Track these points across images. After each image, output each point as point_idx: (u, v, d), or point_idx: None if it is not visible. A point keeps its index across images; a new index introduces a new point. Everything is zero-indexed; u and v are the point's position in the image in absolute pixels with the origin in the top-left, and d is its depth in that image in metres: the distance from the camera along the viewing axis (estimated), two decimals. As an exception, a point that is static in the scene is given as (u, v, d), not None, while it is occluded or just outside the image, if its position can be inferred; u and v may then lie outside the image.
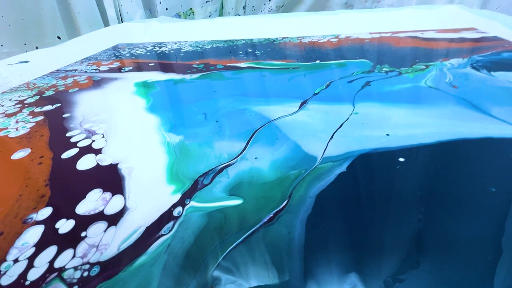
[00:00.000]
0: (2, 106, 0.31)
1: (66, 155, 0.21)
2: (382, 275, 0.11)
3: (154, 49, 0.52)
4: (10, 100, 0.33)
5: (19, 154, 0.22)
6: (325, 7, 0.91)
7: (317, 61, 0.38)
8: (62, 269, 0.13)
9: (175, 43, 0.56)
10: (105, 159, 0.20)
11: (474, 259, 0.12)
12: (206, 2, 0.92)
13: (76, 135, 0.24)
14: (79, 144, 0.22)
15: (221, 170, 0.18)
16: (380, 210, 0.15)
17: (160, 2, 0.89)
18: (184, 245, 0.13)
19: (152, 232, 0.14)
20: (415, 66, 0.33)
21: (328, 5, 0.92)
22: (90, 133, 0.24)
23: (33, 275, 0.13)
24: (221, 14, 0.96)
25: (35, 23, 0.68)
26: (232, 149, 0.20)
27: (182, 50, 0.50)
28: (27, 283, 0.12)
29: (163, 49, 0.52)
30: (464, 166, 0.17)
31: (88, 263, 0.13)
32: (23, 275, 0.13)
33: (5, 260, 0.13)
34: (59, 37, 0.74)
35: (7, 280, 0.12)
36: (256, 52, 0.45)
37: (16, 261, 0.13)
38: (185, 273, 0.12)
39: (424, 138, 0.20)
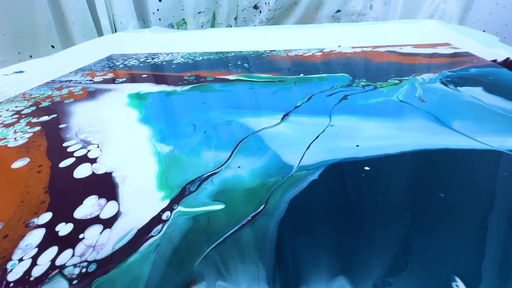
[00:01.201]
0: (0, 116, 0.32)
1: (63, 164, 0.23)
2: (340, 269, 0.13)
3: (147, 60, 0.54)
4: (7, 110, 0.34)
5: (19, 163, 0.23)
6: (314, 19, 0.95)
7: (301, 75, 0.40)
8: (62, 267, 0.14)
9: (168, 54, 0.58)
10: (100, 168, 0.22)
11: (431, 262, 0.14)
12: (199, 13, 0.95)
13: (72, 145, 0.26)
14: (75, 154, 0.24)
15: (207, 178, 0.20)
16: (345, 213, 0.17)
17: (154, 13, 0.91)
18: (171, 245, 0.15)
19: (143, 233, 0.16)
20: (390, 80, 0.36)
21: (317, 18, 0.95)
22: (86, 143, 0.26)
23: (36, 272, 0.14)
24: (213, 25, 0.99)
25: (30, 32, 0.69)
26: (218, 159, 0.22)
27: (174, 62, 0.52)
28: (31, 279, 0.14)
29: (155, 60, 0.54)
30: (422, 174, 0.20)
31: (86, 261, 0.14)
32: (28, 272, 0.14)
33: (10, 259, 0.15)
34: (53, 46, 0.75)
35: (13, 276, 0.14)
36: (244, 65, 0.47)
37: (20, 260, 0.15)
38: (171, 269, 0.14)
39: (390, 149, 0.22)
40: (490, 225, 0.15)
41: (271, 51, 0.55)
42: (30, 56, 0.70)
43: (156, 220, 0.17)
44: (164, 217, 0.17)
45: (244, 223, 0.16)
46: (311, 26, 0.76)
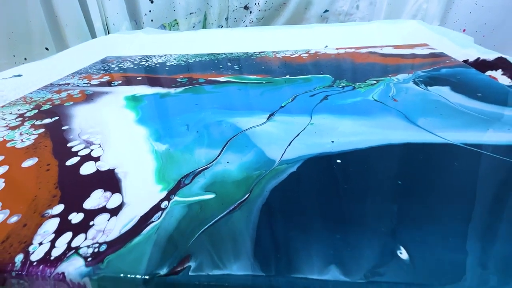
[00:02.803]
0: (4, 119, 0.35)
1: (69, 162, 0.25)
2: (308, 244, 0.16)
3: (141, 63, 0.56)
4: (10, 113, 0.36)
5: (28, 163, 0.26)
6: (302, 19, 0.98)
7: (287, 76, 0.43)
8: (78, 248, 0.17)
9: (161, 56, 0.60)
10: (103, 165, 0.25)
11: (382, 236, 0.17)
12: (190, 14, 0.97)
13: (76, 145, 0.28)
14: (79, 153, 0.27)
15: (199, 172, 0.23)
16: (318, 199, 0.20)
17: (146, 14, 0.93)
18: (170, 228, 0.18)
19: (145, 219, 0.19)
20: (367, 81, 0.39)
21: (305, 17, 0.98)
22: (88, 143, 0.28)
23: (55, 253, 0.17)
24: (204, 25, 1.01)
25: (24, 35, 0.70)
26: (209, 155, 0.25)
27: (167, 64, 0.54)
28: (51, 258, 0.17)
29: (149, 62, 0.56)
30: (384, 165, 0.23)
31: (97, 242, 0.17)
32: (48, 253, 0.17)
33: (31, 244, 0.18)
34: (47, 49, 0.77)
35: (35, 257, 0.17)
36: (235, 67, 0.50)
37: (40, 243, 0.18)
38: (170, 247, 0.17)
39: (360, 144, 0.25)
40: (438, 204, 0.18)
41: (260, 52, 0.58)
42: (25, 59, 0.72)
43: (156, 208, 0.19)
44: (162, 205, 0.20)
45: (231, 209, 0.19)
46: (300, 27, 0.79)
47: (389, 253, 0.15)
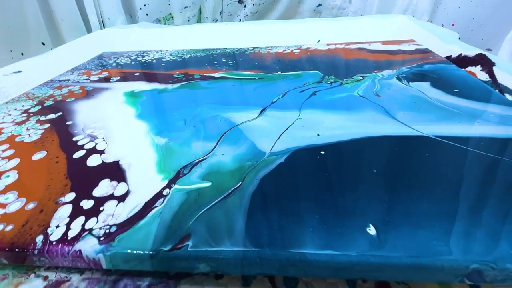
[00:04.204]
0: (10, 115, 0.36)
1: (76, 155, 0.28)
2: (292, 222, 0.19)
3: (138, 58, 0.58)
4: (15, 109, 0.38)
5: (38, 156, 0.28)
6: (296, 13, 0.99)
7: (279, 72, 0.45)
8: (91, 229, 0.19)
9: (157, 52, 0.62)
10: (108, 158, 0.27)
11: (356, 217, 0.19)
12: (185, 8, 0.98)
13: (81, 139, 0.30)
14: (85, 147, 0.29)
15: (197, 163, 0.25)
16: (302, 186, 0.22)
17: (141, 8, 0.93)
18: (171, 212, 0.20)
19: (149, 205, 0.21)
20: (354, 77, 0.41)
21: (299, 11, 0.99)
22: (93, 138, 0.30)
23: (71, 234, 0.19)
24: (199, 19, 1.02)
25: (20, 30, 0.71)
26: (205, 148, 0.27)
27: (163, 60, 0.56)
28: (68, 238, 0.19)
29: (146, 58, 0.58)
30: (363, 155, 0.25)
31: (108, 225, 0.20)
32: (65, 234, 0.19)
33: (49, 226, 0.20)
34: (43, 43, 0.78)
35: (54, 237, 0.19)
36: (229, 62, 0.52)
37: (57, 226, 0.20)
38: (172, 228, 0.19)
39: (342, 137, 0.28)
40: (406, 189, 0.21)
41: (254, 48, 0.59)
42: (22, 54, 0.72)
43: (159, 195, 0.22)
44: (164, 193, 0.22)
45: (225, 195, 0.21)
46: (293, 22, 0.80)
47: (360, 230, 0.18)
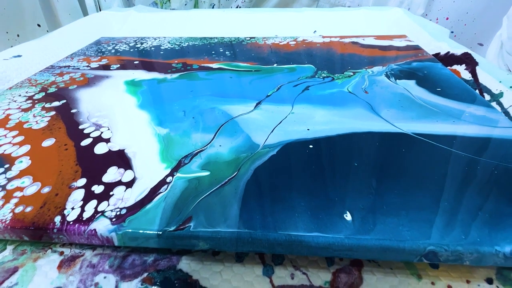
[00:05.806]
0: (15, 101, 0.38)
1: (84, 143, 0.30)
2: (282, 208, 0.22)
3: (136, 45, 0.58)
4: (20, 96, 0.39)
5: (47, 143, 0.30)
6: (294, 1, 0.99)
7: (275, 65, 0.47)
8: (103, 211, 0.22)
9: (155, 39, 0.62)
10: (114, 146, 0.29)
11: (336, 205, 0.22)
12: (182, -9, 0.97)
13: (87, 127, 0.32)
14: (91, 135, 0.31)
15: (196, 153, 0.28)
16: (292, 176, 0.25)
17: (137, -9, 0.92)
18: (174, 197, 0.23)
19: (154, 190, 0.24)
20: (346, 72, 0.43)
21: (297, -1, 0.99)
22: (98, 126, 0.32)
23: (86, 215, 0.22)
24: (196, 3, 1.01)
25: (16, 12, 0.71)
26: (204, 139, 0.30)
27: (162, 48, 0.57)
28: (83, 219, 0.22)
29: (144, 45, 0.58)
30: (347, 150, 0.28)
31: (118, 208, 0.22)
32: (80, 215, 0.22)
33: (65, 208, 0.22)
34: (39, 25, 0.77)
35: (70, 218, 0.22)
36: (226, 53, 0.53)
37: (72, 208, 0.22)
38: (175, 211, 0.22)
39: (330, 132, 0.30)
40: (382, 181, 0.24)
41: (250, 38, 0.61)
42: (18, 35, 0.72)
43: (163, 182, 0.24)
44: (168, 180, 0.25)
45: (222, 183, 0.24)
46: (290, 11, 0.81)
47: (338, 216, 0.21)
